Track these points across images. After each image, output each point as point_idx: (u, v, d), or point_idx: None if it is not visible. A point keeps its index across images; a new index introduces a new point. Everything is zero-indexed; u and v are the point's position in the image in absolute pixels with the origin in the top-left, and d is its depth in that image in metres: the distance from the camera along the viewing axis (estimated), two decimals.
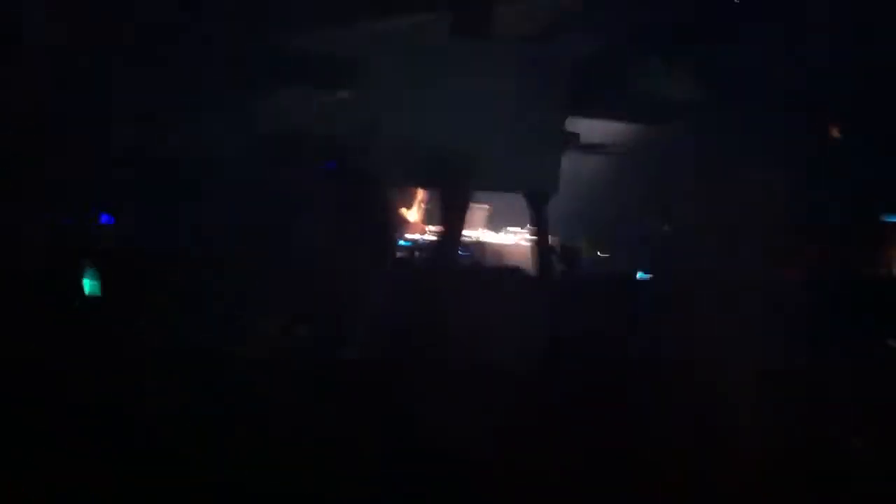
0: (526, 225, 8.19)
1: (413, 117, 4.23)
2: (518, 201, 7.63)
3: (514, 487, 2.64)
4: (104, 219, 5.06)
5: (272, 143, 5.65)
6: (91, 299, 3.46)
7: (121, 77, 5.58)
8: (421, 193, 8.45)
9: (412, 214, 8.74)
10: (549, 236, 5.61)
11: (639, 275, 6.15)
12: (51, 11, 5.10)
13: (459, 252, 6.30)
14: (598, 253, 6.90)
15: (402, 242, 7.86)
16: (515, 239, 8.23)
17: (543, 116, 4.47)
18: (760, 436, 2.81)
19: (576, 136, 6.94)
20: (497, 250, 8.10)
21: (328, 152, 5.33)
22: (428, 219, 8.35)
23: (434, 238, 4.15)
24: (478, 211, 8.47)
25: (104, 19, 5.41)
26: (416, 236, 8.05)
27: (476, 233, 8.38)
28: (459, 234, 3.98)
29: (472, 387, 3.02)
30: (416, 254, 7.07)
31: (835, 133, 5.83)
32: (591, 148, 7.39)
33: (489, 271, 6.19)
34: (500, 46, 5.34)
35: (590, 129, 7.21)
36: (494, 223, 8.52)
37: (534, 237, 4.10)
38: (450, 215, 3.79)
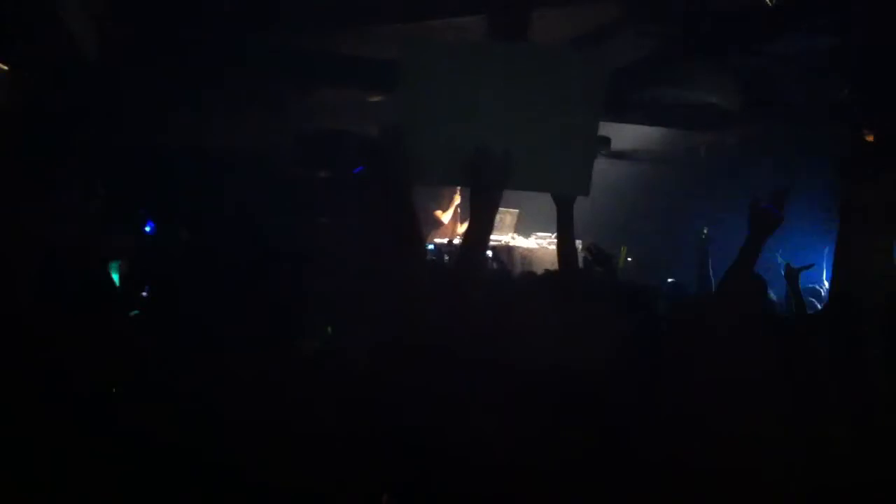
0: (554, 230, 8.16)
1: (444, 117, 4.22)
2: (547, 206, 7.62)
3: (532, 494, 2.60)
4: (150, 225, 5.04)
5: (304, 144, 5.66)
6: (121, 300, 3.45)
7: (161, 75, 5.61)
8: (457, 196, 8.45)
9: (446, 217, 8.73)
10: (577, 241, 5.58)
11: (668, 280, 6.10)
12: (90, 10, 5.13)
13: (486, 255, 6.27)
14: (628, 259, 6.87)
15: (429, 247, 7.86)
16: (544, 243, 8.23)
17: (575, 119, 4.43)
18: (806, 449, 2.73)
19: (607, 140, 6.90)
20: (525, 254, 8.10)
21: (360, 153, 5.33)
22: (461, 221, 8.36)
23: (461, 241, 4.12)
24: (507, 215, 8.48)
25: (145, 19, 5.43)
26: (444, 240, 8.05)
27: (506, 237, 8.38)
28: (488, 237, 3.95)
29: (494, 392, 2.97)
30: (445, 257, 7.06)
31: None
32: (623, 154, 7.37)
33: (515, 275, 6.17)
34: (534, 49, 5.33)
35: (622, 134, 7.18)
36: (524, 228, 8.52)
37: (559, 240, 4.04)
38: (478, 217, 3.76)
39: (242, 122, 6.03)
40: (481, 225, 3.65)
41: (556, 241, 4.05)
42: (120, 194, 4.62)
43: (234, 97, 6.05)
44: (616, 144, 7.42)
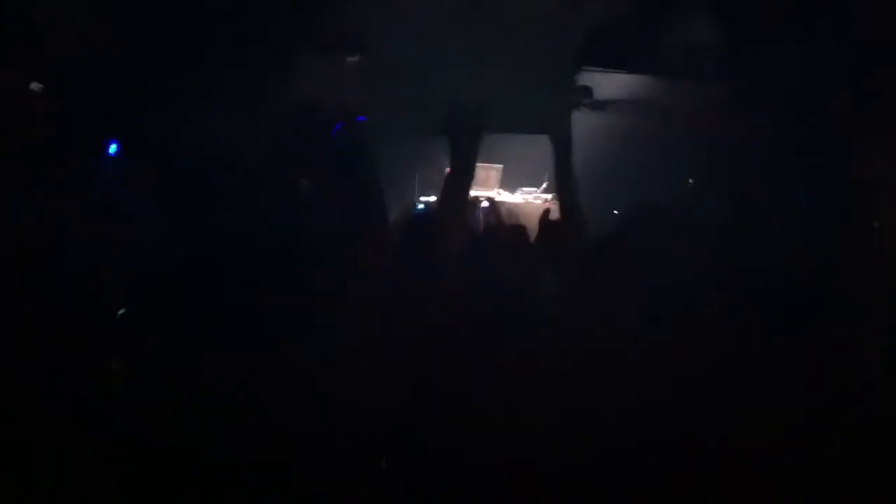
0: (540, 185, 8.14)
1: (419, 64, 4.14)
2: (532, 161, 7.53)
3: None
4: (112, 144, 4.83)
5: (284, 115, 5.52)
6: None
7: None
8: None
9: None
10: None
11: None
12: None
13: (469, 205, 6.16)
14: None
15: (419, 206, 7.77)
16: (530, 198, 8.19)
17: (555, 64, 4.37)
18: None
19: (588, 90, 6.79)
20: (512, 209, 8.03)
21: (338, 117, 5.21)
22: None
23: (442, 191, 4.01)
24: (492, 171, 8.39)
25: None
26: (431, 198, 7.96)
27: (491, 192, 8.31)
28: (468, 185, 3.87)
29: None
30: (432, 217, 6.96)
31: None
32: (605, 104, 7.26)
33: (508, 231, 6.07)
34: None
35: (604, 83, 7.08)
36: (508, 184, 8.45)
37: (558, 183, 3.93)
38: (457, 164, 3.68)
39: (220, 98, 5.88)
40: (460, 172, 3.57)
41: (542, 194, 3.97)
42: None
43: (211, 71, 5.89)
44: (598, 94, 7.35)
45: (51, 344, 2.49)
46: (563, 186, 3.88)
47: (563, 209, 3.91)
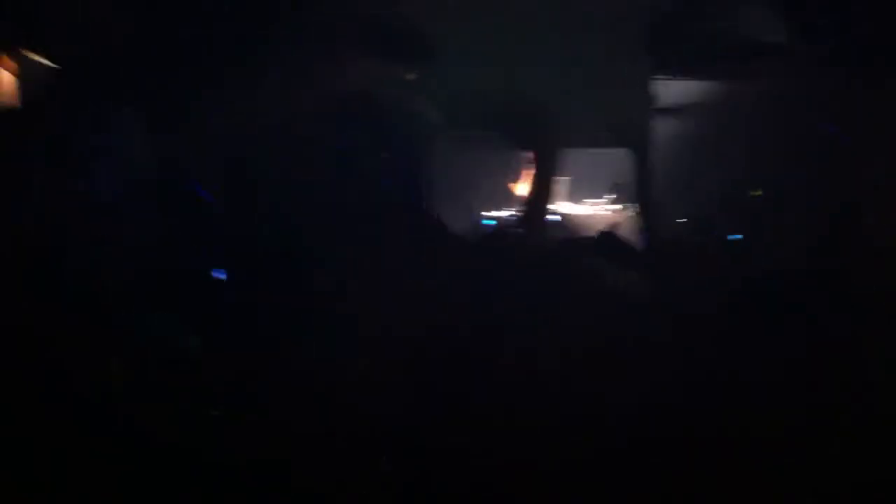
0: (603, 196, 8.04)
1: (488, 79, 4.15)
2: (595, 173, 7.45)
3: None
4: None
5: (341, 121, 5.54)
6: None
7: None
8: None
9: (521, 189, 8.51)
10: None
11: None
12: None
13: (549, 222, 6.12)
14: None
15: (485, 221, 7.75)
16: (598, 210, 8.09)
17: (627, 71, 4.37)
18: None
19: (653, 97, 6.69)
20: (581, 222, 7.96)
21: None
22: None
23: (525, 208, 4.02)
24: (559, 184, 8.32)
25: None
26: (503, 213, 7.92)
27: (557, 205, 8.23)
28: (549, 202, 3.91)
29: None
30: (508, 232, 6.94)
31: None
32: (669, 111, 7.12)
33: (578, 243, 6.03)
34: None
35: (667, 90, 6.95)
36: (574, 196, 8.36)
37: (637, 203, 3.92)
38: (539, 183, 3.70)
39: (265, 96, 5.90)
40: (545, 190, 3.60)
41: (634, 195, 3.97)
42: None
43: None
44: (662, 101, 7.21)
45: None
46: (642, 198, 3.89)
47: (641, 220, 3.89)
